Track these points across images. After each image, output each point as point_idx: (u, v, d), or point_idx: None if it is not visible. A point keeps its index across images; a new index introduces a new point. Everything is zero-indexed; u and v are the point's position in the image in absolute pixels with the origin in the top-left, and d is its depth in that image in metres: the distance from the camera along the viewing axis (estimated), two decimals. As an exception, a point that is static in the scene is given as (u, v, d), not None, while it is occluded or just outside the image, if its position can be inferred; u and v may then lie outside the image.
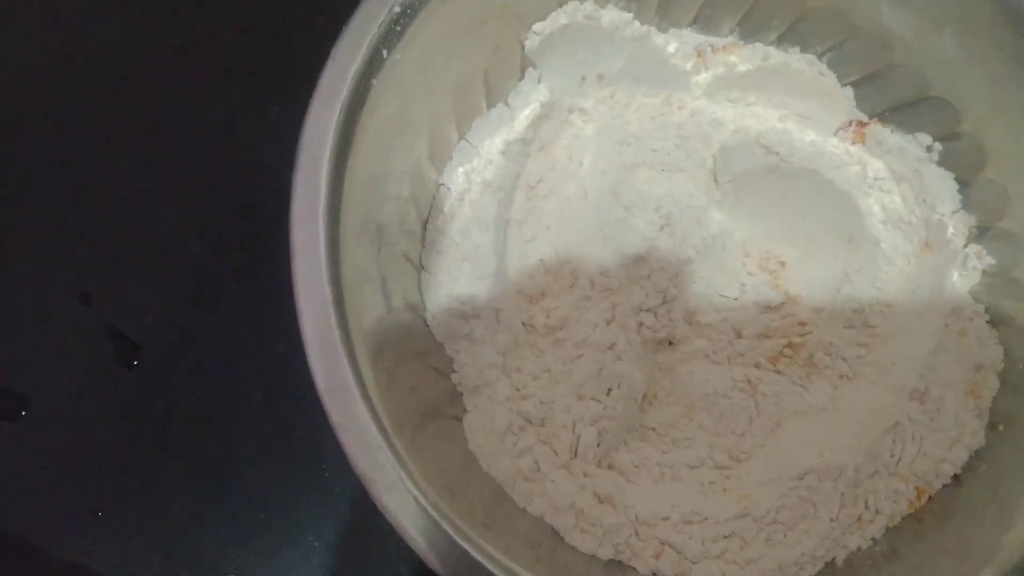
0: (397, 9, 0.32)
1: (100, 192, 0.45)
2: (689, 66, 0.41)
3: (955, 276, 0.38)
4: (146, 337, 0.43)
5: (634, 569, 0.34)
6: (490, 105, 0.40)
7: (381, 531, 0.40)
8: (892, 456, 0.35)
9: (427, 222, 0.39)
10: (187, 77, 0.47)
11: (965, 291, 0.38)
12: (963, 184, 0.39)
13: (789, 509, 0.34)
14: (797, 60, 0.41)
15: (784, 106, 0.41)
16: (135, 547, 0.40)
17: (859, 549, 0.35)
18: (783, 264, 0.41)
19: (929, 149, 0.39)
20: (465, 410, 0.37)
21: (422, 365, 0.37)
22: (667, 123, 0.41)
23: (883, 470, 0.35)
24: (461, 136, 0.40)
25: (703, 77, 0.41)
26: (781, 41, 0.41)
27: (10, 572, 0.40)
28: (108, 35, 0.48)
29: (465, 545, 0.28)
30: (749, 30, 0.41)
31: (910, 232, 0.39)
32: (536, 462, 0.35)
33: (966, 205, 0.39)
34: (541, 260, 0.39)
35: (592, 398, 0.36)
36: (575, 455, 0.35)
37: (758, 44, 0.41)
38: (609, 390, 0.36)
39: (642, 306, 0.38)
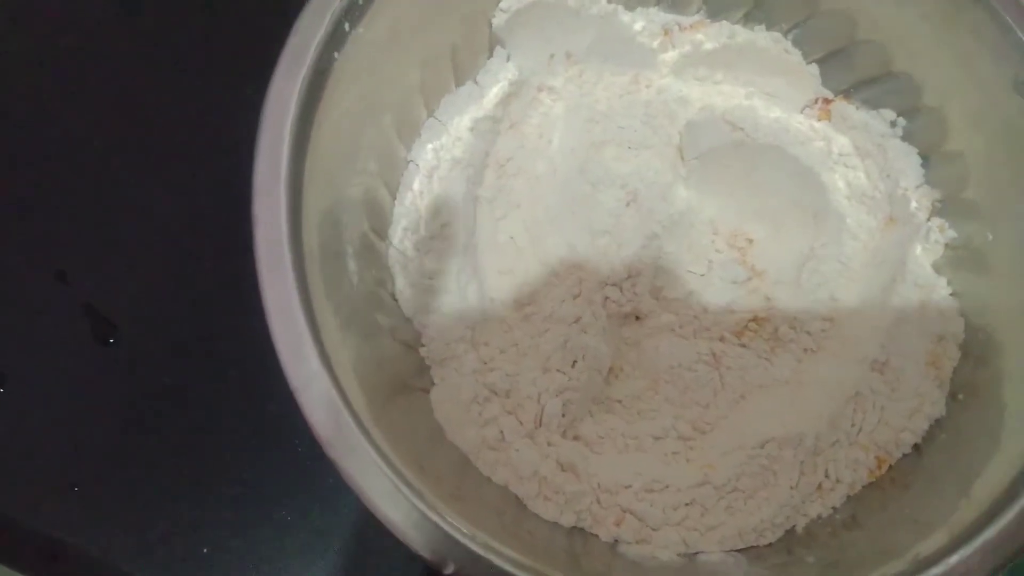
0: (359, -17, 0.33)
1: (78, 173, 0.45)
2: (656, 44, 0.41)
3: (918, 249, 0.39)
4: (122, 316, 0.43)
5: (596, 536, 0.34)
6: (459, 83, 0.41)
7: (354, 504, 0.40)
8: (853, 426, 0.36)
9: (395, 199, 0.39)
10: (162, 57, 0.47)
11: (928, 264, 0.38)
12: (925, 158, 0.39)
13: (749, 477, 0.35)
14: (763, 38, 0.41)
15: (751, 84, 0.42)
16: (110, 522, 0.40)
17: (819, 517, 0.35)
18: (751, 241, 0.42)
19: (893, 124, 0.40)
20: (432, 383, 0.37)
21: (390, 339, 0.37)
22: (635, 101, 0.41)
23: (844, 439, 0.36)
24: (430, 113, 0.40)
25: (670, 55, 0.42)
26: (747, 19, 0.42)
27: (-13, 545, 0.40)
28: (84, 18, 0.48)
29: (432, 515, 0.28)
30: (715, 8, 0.42)
31: (874, 207, 0.40)
32: (501, 432, 0.35)
33: (929, 180, 0.39)
34: (511, 237, 0.40)
35: (557, 370, 0.36)
36: (539, 425, 0.36)
37: (724, 22, 0.42)
38: (574, 362, 0.37)
39: (608, 280, 0.38)
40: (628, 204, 0.39)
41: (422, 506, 0.28)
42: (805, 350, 0.38)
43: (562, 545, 0.33)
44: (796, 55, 0.41)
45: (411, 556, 0.39)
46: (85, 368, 0.43)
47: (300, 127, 0.31)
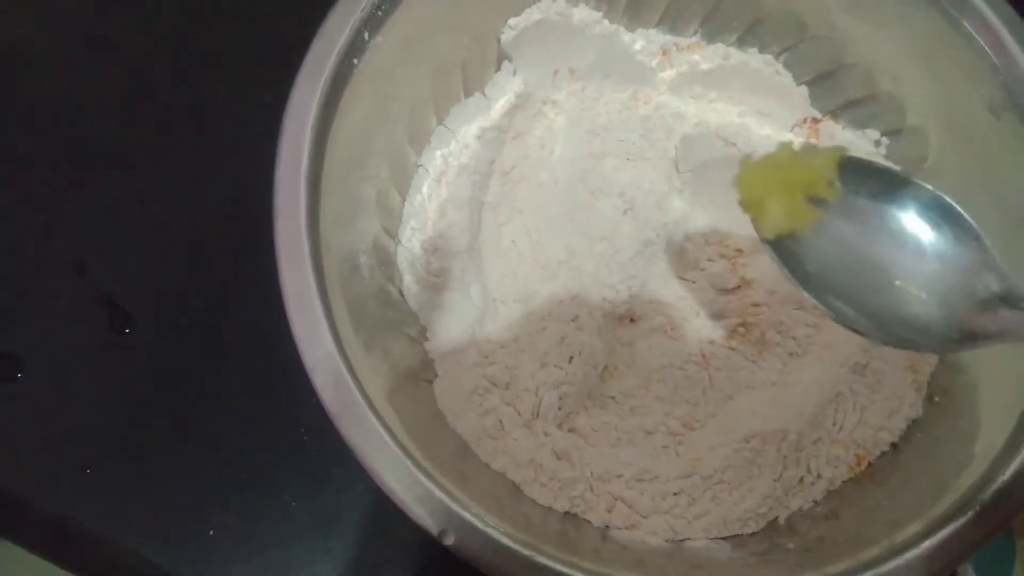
0: (378, -5, 0.35)
1: (97, 169, 0.47)
2: (655, 63, 0.44)
3: (899, 261, 0.41)
4: (138, 307, 0.45)
5: (589, 521, 0.36)
6: (467, 94, 0.43)
7: (356, 491, 0.42)
8: (834, 424, 0.38)
9: (405, 200, 0.41)
10: (186, 61, 0.49)
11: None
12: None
13: (734, 469, 0.36)
14: (755, 60, 0.44)
15: (744, 102, 0.44)
16: (121, 503, 0.42)
17: (801, 509, 0.37)
18: (741, 252, 0.44)
19: (877, 143, 0.42)
20: (436, 374, 0.39)
21: (397, 332, 0.39)
22: (633, 116, 0.43)
23: (825, 437, 0.38)
24: (440, 121, 0.42)
25: (668, 74, 0.44)
26: (741, 42, 0.44)
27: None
28: (106, 19, 0.51)
29: (434, 488, 0.30)
30: (711, 31, 0.44)
31: (858, 220, 0.42)
32: (500, 421, 0.37)
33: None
34: (513, 241, 0.42)
35: (555, 365, 0.38)
36: (536, 416, 0.37)
37: (719, 44, 0.44)
38: (571, 358, 0.38)
39: (605, 283, 0.40)
40: (625, 212, 0.41)
41: (424, 479, 0.30)
42: (791, 354, 0.40)
43: (556, 529, 0.35)
44: (787, 77, 0.43)
45: (413, 542, 0.41)
46: (101, 356, 0.44)
47: (320, 126, 0.33)
